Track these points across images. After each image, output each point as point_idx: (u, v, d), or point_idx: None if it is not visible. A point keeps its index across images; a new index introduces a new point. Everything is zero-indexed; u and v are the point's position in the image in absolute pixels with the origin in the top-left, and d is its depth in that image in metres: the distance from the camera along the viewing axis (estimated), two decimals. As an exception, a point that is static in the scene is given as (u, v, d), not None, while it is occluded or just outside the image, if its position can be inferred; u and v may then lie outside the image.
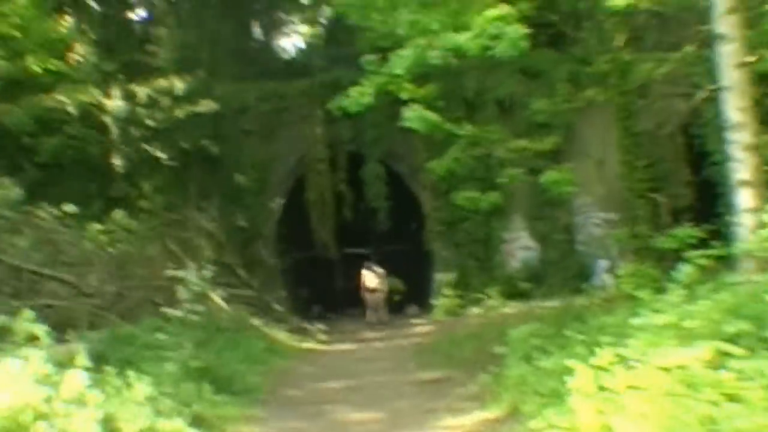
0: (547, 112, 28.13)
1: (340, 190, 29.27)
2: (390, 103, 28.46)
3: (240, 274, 25.35)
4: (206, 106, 27.18)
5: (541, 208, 28.93)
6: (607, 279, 26.86)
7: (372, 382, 15.70)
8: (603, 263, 27.73)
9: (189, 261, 20.67)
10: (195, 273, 18.81)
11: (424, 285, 31.14)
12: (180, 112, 27.01)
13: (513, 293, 27.39)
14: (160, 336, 14.59)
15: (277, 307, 25.05)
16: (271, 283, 27.91)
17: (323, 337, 24.33)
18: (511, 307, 25.40)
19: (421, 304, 30.66)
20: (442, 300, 27.75)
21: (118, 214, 24.31)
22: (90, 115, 27.17)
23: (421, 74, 19.95)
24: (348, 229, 30.56)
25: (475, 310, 26.70)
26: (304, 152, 29.49)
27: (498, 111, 28.92)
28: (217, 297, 20.73)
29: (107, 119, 27.44)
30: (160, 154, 27.36)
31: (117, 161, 27.53)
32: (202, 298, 18.36)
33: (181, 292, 17.53)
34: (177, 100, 27.29)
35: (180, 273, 18.82)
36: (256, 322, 20.83)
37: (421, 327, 25.54)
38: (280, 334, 21.84)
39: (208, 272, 19.44)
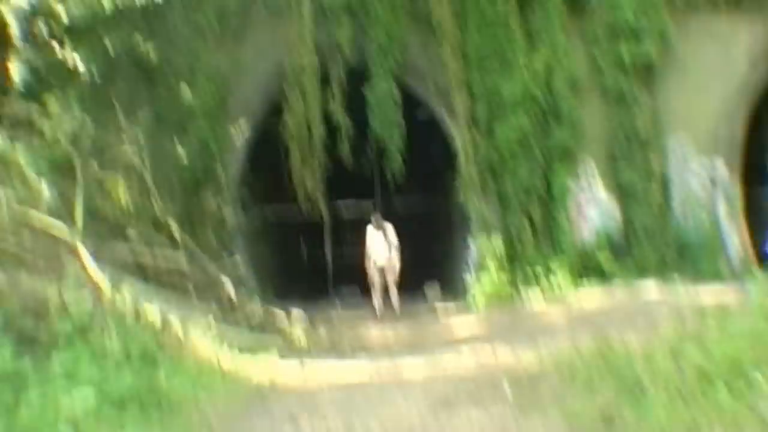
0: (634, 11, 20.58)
1: (334, 117, 20.38)
2: (407, -5, 20.76)
3: (173, 232, 16.23)
4: (145, -7, 19.89)
5: (625, 148, 20.60)
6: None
7: None
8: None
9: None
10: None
11: (451, 255, 23.23)
12: (107, 3, 19.22)
13: (588, 270, 19.27)
14: None
15: (228, 286, 15.78)
16: (226, 249, 19.30)
17: (301, 337, 14.90)
18: (600, 292, 16.60)
19: (445, 282, 22.59)
20: (483, 278, 19.35)
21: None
22: (-17, 8, 19.48)
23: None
24: (343, 175, 22.02)
25: (534, 295, 18.46)
26: (282, 61, 20.71)
27: (565, 7, 20.64)
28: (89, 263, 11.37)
29: (6, 12, 19.09)
30: (77, 61, 19.01)
31: (16, 70, 19.11)
32: None
33: None
34: (104, -15, 19.71)
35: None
36: (158, 312, 10.84)
37: (461, 320, 16.22)
38: (208, 341, 11.24)
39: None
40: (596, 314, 13.76)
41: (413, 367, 11.15)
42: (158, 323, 10.14)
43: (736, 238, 20.71)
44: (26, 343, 7.97)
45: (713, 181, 20.88)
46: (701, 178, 20.88)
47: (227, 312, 14.55)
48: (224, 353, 10.33)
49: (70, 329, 8.33)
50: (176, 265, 15.11)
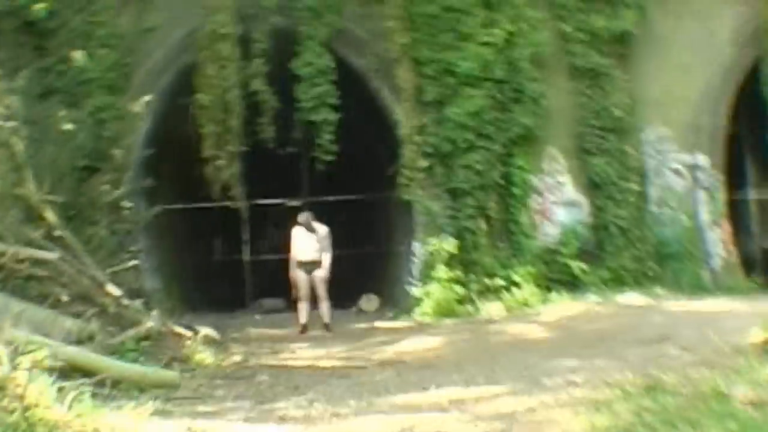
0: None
1: (255, 92, 17.53)
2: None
3: (50, 221, 12.99)
4: (34, -62, 17.56)
5: (598, 137, 18.26)
6: None
7: None
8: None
9: None
10: None
11: (393, 262, 20.45)
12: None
13: (555, 279, 16.95)
14: None
15: (111, 290, 12.45)
16: (123, 249, 16.28)
17: (207, 357, 11.54)
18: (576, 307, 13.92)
19: (385, 293, 19.69)
20: (431, 288, 16.61)
21: None
22: None
23: None
24: (266, 164, 19.75)
25: (494, 308, 15.92)
26: (195, 25, 17.92)
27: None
28: None
29: None
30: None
31: None
32: None
33: None
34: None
35: None
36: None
37: (410, 341, 12.94)
38: (44, 379, 6.51)
39: None
40: (589, 334, 10.77)
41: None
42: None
43: (719, 244, 18.45)
44: None
45: (695, 180, 18.49)
46: (682, 176, 18.64)
47: (111, 330, 11.22)
48: (69, 397, 6.31)
49: None
50: (47, 265, 11.78)
